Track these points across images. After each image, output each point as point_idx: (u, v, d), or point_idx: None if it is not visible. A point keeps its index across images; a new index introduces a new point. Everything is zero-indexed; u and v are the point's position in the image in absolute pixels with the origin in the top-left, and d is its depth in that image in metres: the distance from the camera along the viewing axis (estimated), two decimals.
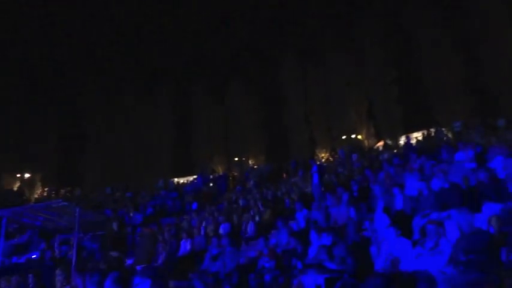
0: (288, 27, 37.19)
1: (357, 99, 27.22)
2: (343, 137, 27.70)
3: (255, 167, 27.14)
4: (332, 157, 24.41)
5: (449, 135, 19.65)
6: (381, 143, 25.48)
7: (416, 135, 22.70)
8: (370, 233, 6.96)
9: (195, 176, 25.76)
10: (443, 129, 20.97)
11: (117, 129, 32.45)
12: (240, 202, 14.40)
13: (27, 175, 31.96)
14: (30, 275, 7.61)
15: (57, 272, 6.59)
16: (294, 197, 12.73)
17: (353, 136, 27.75)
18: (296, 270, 6.24)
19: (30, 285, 7.38)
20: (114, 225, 13.88)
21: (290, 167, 19.90)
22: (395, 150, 18.96)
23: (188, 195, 18.94)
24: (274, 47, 33.72)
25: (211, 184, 22.00)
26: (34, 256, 12.46)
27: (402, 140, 24.82)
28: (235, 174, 25.99)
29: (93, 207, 18.34)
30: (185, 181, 27.28)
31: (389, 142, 24.20)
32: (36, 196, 29.43)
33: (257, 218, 11.69)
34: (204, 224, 11.91)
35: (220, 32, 39.53)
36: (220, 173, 27.46)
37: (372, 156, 17.33)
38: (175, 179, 28.68)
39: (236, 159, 30.78)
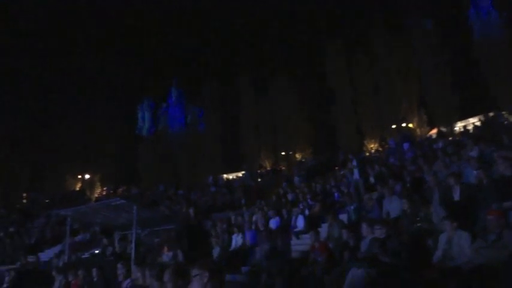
0: (332, 16, 36.27)
1: (407, 86, 26.11)
2: (393, 126, 26.72)
3: (303, 160, 26.98)
4: (382, 147, 23.67)
5: (510, 119, 18.33)
6: (434, 131, 24.32)
7: (473, 121, 21.40)
8: (426, 226, 6.70)
9: (243, 172, 26.10)
10: (503, 113, 19.59)
11: (168, 128, 33.64)
12: (289, 196, 14.42)
13: (87, 176, 34.16)
14: (94, 269, 8.11)
15: (119, 266, 6.98)
16: (344, 190, 12.53)
17: (404, 125, 26.70)
18: (348, 264, 6.16)
19: (95, 279, 7.87)
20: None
21: (338, 159, 19.59)
22: (450, 138, 18.03)
23: (237, 191, 19.25)
24: (319, 37, 33.01)
25: (259, 179, 22.20)
26: (97, 251, 13.32)
27: (458, 127, 23.52)
28: (283, 168, 26.02)
29: (149, 204, 19.16)
30: (234, 177, 27.72)
31: (443, 129, 23.01)
32: (96, 195, 31.29)
33: (306, 212, 11.65)
34: (254, 219, 12.06)
35: (262, 26, 39.33)
36: (268, 168, 27.62)
37: (425, 145, 16.60)
38: (225, 175, 29.23)
39: (283, 153, 30.76)
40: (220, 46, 40.45)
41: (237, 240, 11.11)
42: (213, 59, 39.03)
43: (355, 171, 12.19)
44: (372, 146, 26.66)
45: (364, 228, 6.75)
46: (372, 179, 12.16)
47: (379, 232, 6.24)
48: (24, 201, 29.97)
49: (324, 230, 9.61)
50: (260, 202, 14.44)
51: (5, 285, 9.95)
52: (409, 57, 26.11)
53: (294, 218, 11.37)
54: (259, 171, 24.97)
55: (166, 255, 9.95)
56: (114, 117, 34.69)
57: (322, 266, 6.68)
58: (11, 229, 18.58)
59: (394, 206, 8.36)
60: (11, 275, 10.63)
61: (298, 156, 29.46)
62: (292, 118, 30.04)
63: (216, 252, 10.70)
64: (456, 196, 6.98)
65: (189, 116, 34.00)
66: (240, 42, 40.64)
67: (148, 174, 32.22)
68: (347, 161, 16.81)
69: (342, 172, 16.16)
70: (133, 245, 10.47)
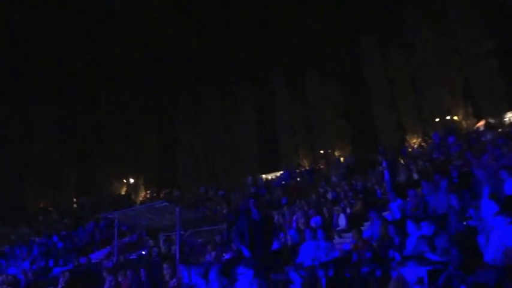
0: (364, 7, 35.29)
1: (449, 77, 25.02)
2: (436, 120, 25.68)
3: (341, 158, 26.56)
4: (425, 142, 22.83)
5: None
6: (481, 123, 23.13)
7: None
8: (476, 222, 6.40)
9: (281, 172, 26.07)
10: None
11: (205, 132, 34.25)
12: (329, 195, 14.25)
13: (132, 180, 35.48)
14: (141, 269, 8.42)
15: (164, 266, 7.22)
16: (385, 187, 12.22)
17: (448, 118, 25.60)
18: (394, 263, 6.00)
19: (142, 279, 8.17)
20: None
21: (378, 155, 19.11)
22: (499, 130, 17.09)
23: (277, 191, 19.25)
24: (352, 30, 32.25)
25: (298, 178, 22.08)
26: (143, 252, 13.80)
27: (507, 118, 22.25)
28: (322, 167, 25.74)
29: (190, 206, 19.58)
30: (273, 177, 27.74)
31: (491, 121, 21.83)
32: (140, 199, 32.39)
33: (348, 210, 11.47)
34: (294, 218, 12.03)
35: (293, 23, 38.99)
36: (307, 167, 27.42)
37: (472, 138, 15.85)
38: (263, 176, 29.32)
39: (321, 151, 30.44)
40: (253, 46, 40.55)
41: (277, 239, 11.12)
42: (247, 59, 39.20)
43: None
44: (415, 141, 25.78)
45: (410, 225, 6.56)
46: (415, 175, 11.79)
47: (427, 229, 6.04)
48: (74, 205, 31.55)
49: (366, 228, 9.41)
50: (300, 201, 14.37)
51: (60, 286, 10.52)
52: (449, 47, 25.01)
53: (335, 216, 11.23)
54: (298, 170, 24.81)
55: (209, 255, 10.13)
56: (154, 121, 35.84)
57: (367, 264, 6.56)
58: (63, 233, 19.64)
59: (440, 202, 8.06)
60: (66, 276, 11.24)
61: (336, 154, 29.04)
62: (329, 116, 29.67)
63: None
64: (508, 190, 6.63)
65: (226, 117, 34.43)
66: (272, 41, 40.58)
67: (188, 176, 32.95)
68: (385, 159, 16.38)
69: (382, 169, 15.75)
70: (177, 245, 10.77)
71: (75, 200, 33.88)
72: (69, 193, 35.13)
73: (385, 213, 9.72)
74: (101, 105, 36.92)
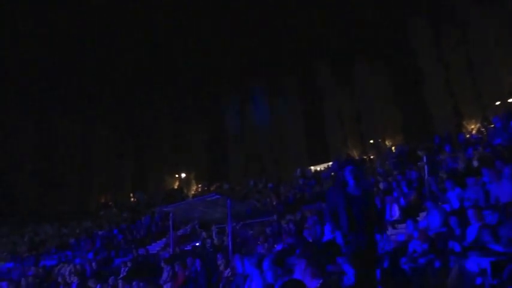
0: None
1: (509, 57, 23.23)
2: (497, 103, 24.00)
3: (393, 148, 25.66)
4: (484, 127, 21.42)
5: None
6: None
7: None
8: None
9: (330, 163, 25.71)
10: None
11: (253, 125, 34.58)
12: (381, 185, 13.84)
13: (183, 175, 36.77)
14: (197, 260, 8.72)
15: (218, 256, 7.44)
16: (443, 176, 11.64)
17: (510, 100, 23.83)
18: (454, 254, 5.73)
19: (198, 269, 8.45)
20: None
21: (433, 143, 18.23)
22: None
23: (326, 182, 19.01)
24: (400, 11, 30.67)
25: None
26: (197, 244, 14.25)
27: None
28: (372, 157, 25.06)
29: (240, 199, 19.88)
30: (321, 168, 27.44)
31: None
32: (192, 192, 33.42)
33: (402, 201, 11.08)
34: None
35: (338, 7, 37.69)
36: (356, 157, 26.82)
37: None
38: (312, 167, 29.09)
39: (371, 141, 29.60)
40: (297, 36, 39.90)
41: (329, 231, 11.01)
42: (292, 50, 38.74)
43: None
44: (473, 126, 24.31)
45: (471, 214, 6.22)
46: (475, 163, 11.12)
47: (490, 218, 5.71)
48: (131, 200, 33.23)
49: (422, 218, 9.06)
50: None
51: (122, 275, 11.18)
52: (507, 23, 23.17)
53: (388, 207, 10.89)
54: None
55: (261, 247, 10.25)
56: (202, 118, 36.71)
57: (424, 256, 6.33)
58: (122, 226, 20.77)
59: (504, 190, 7.55)
60: (127, 266, 11.94)
61: (387, 143, 28.10)
62: (379, 104, 28.72)
63: None
64: None
65: (273, 110, 34.50)
66: (317, 29, 39.65)
67: (237, 170, 33.48)
68: (444, 145, 15.60)
69: (439, 157, 15.02)
70: (229, 237, 11.02)
71: (131, 195, 35.67)
72: (126, 189, 37.30)
73: (443, 203, 9.29)
74: (152, 106, 38.38)
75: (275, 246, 10.48)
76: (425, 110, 27.13)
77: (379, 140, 28.84)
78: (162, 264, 9.82)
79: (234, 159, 34.62)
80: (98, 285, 10.51)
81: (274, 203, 17.46)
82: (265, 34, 40.71)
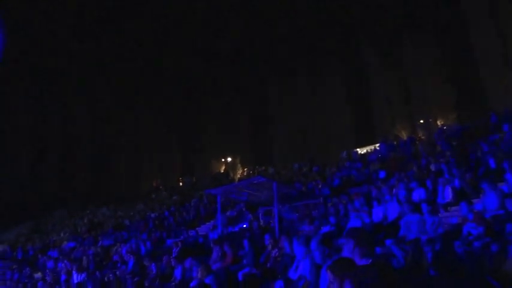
0: None
1: None
2: None
3: (445, 127, 24.47)
4: None
5: None
6: None
7: None
8: None
9: (378, 144, 25.05)
10: None
11: (297, 108, 34.32)
12: (432, 167, 13.32)
13: (229, 159, 37.49)
14: (244, 240, 8.92)
15: (266, 237, 7.57)
16: (500, 156, 10.98)
17: None
18: None
19: (246, 249, 8.65)
20: None
21: (489, 122, 17.16)
22: None
23: (373, 164, 18.58)
24: None
25: (396, 150, 21.00)
26: (244, 226, 14.56)
27: None
28: (422, 137, 24.09)
29: (286, 182, 19.96)
30: (368, 150, 26.80)
31: None
32: (238, 176, 33.99)
33: (456, 182, 10.61)
34: (394, 192, 11.53)
35: None
36: (405, 138, 25.91)
37: None
38: (358, 149, 28.50)
39: (421, 121, 28.37)
40: (339, 15, 38.49)
41: (377, 213, 10.81)
42: (334, 31, 37.51)
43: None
44: None
45: None
46: None
47: None
48: (180, 184, 34.43)
49: (477, 201, 8.64)
50: (400, 174, 13.70)
51: (174, 255, 11.70)
52: None
53: (440, 189, 10.49)
54: (395, 142, 23.57)
55: (307, 228, 10.30)
56: (247, 102, 36.98)
57: (480, 239, 6.06)
58: (173, 208, 21.62)
59: None
60: (178, 246, 12.47)
61: (439, 123, 26.81)
62: (429, 81, 27.34)
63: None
64: None
65: (318, 92, 33.98)
66: (359, 6, 38.03)
67: (282, 153, 33.53)
68: (501, 123, 14.65)
69: (495, 137, 14.15)
70: (276, 219, 11.16)
71: (180, 179, 36.95)
72: (175, 174, 38.76)
73: (501, 185, 8.80)
74: (198, 93, 39.17)
75: (321, 228, 10.49)
76: (480, 86, 25.49)
77: (430, 120, 27.58)
78: (212, 245, 10.15)
79: (278, 143, 34.68)
80: (152, 264, 11.10)
81: (320, 186, 17.36)
82: (309, 14, 39.76)
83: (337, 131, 31.50)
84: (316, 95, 33.87)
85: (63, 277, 12.56)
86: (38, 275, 14.75)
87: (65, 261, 14.67)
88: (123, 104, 38.29)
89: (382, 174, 15.56)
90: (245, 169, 34.89)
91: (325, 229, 10.16)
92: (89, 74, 35.76)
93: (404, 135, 27.53)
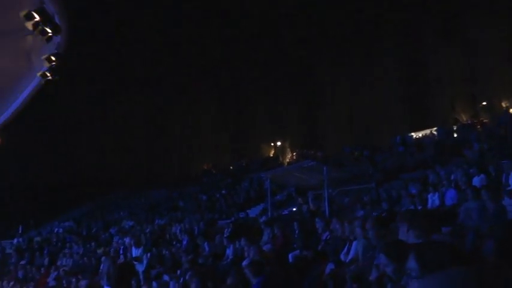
0: None
1: None
2: None
3: (511, 110, 22.74)
4: None
5: None
6: None
7: None
8: None
9: (435, 128, 23.89)
10: None
11: (349, 91, 33.49)
12: (495, 151, 12.51)
13: (278, 143, 37.62)
14: (295, 223, 8.99)
15: (317, 219, 7.57)
16: None
17: None
18: None
19: (296, 231, 8.71)
20: None
21: None
22: None
23: (429, 149, 17.79)
24: None
25: (455, 135, 19.93)
26: (294, 209, 14.63)
27: None
28: (485, 120, 22.61)
29: (336, 166, 19.65)
30: (424, 134, 25.63)
31: None
32: (287, 160, 34.02)
33: None
34: (452, 177, 10.99)
35: None
36: (465, 122, 24.47)
37: None
38: (413, 134, 27.33)
39: (484, 103, 26.54)
40: None
41: (433, 200, 10.39)
42: (389, 7, 35.61)
43: None
44: None
45: None
46: None
47: None
48: (231, 167, 35.16)
49: None
50: (459, 159, 13.02)
51: (225, 235, 12.07)
52: None
53: (504, 175, 9.84)
54: (454, 126, 22.33)
55: (359, 213, 10.15)
56: (296, 85, 36.58)
57: None
58: (224, 191, 22.17)
59: None
60: (230, 227, 12.83)
61: (504, 105, 24.96)
62: (494, 61, 25.40)
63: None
64: None
65: (369, 72, 32.82)
66: None
67: (332, 137, 33.03)
68: None
69: None
70: (326, 203, 11.11)
71: (231, 163, 37.70)
72: (226, 157, 39.63)
73: None
74: (247, 77, 39.32)
75: (373, 213, 10.28)
76: None
77: (494, 102, 25.76)
78: (262, 227, 10.34)
79: (328, 126, 34.15)
80: (205, 243, 11.53)
81: (371, 171, 16.94)
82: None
83: (390, 114, 30.34)
84: (368, 76, 32.72)
85: (122, 252, 13.44)
86: (101, 250, 15.89)
87: (125, 239, 15.67)
88: (176, 90, 39.40)
89: (439, 159, 14.86)
90: (294, 153, 34.81)
91: (375, 214, 9.96)
92: (145, 62, 36.98)
93: (464, 118, 26.01)
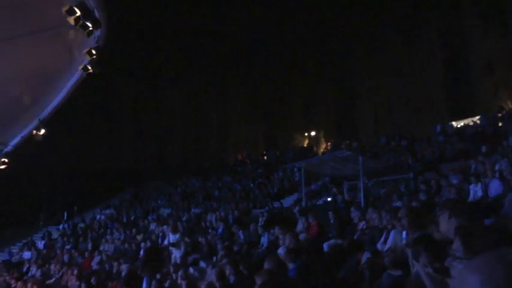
0: None
1: None
2: None
3: None
4: None
5: None
6: None
7: None
8: None
9: (478, 117, 22.84)
10: None
11: (385, 79, 32.53)
12: None
13: (312, 133, 37.30)
14: (330, 212, 8.94)
15: (352, 209, 7.48)
16: None
17: None
18: None
19: (331, 221, 8.67)
20: None
21: None
22: None
23: (471, 138, 17.06)
24: None
25: (499, 123, 18.97)
26: (329, 199, 14.53)
27: None
28: None
29: (372, 156, 19.27)
30: (466, 123, 24.57)
31: None
32: (321, 150, 33.69)
33: None
34: (497, 168, 10.51)
35: None
36: (511, 109, 23.22)
37: None
38: (454, 123, 26.26)
39: None
40: None
41: (475, 191, 10.00)
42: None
43: None
44: None
45: None
46: None
47: None
48: (265, 158, 35.30)
49: None
50: (504, 149, 12.42)
51: (260, 224, 12.20)
52: None
53: None
54: (499, 114, 21.24)
55: (396, 204, 9.93)
56: (331, 73, 35.94)
57: None
58: (258, 180, 22.30)
59: None
60: (264, 216, 12.94)
61: None
62: None
63: None
64: None
65: (406, 59, 31.68)
66: None
67: (368, 127, 32.33)
68: None
69: None
70: (361, 193, 10.95)
71: (264, 153, 37.81)
72: (259, 148, 39.80)
73: None
74: (282, 67, 39.04)
75: (411, 204, 10.03)
76: None
77: None
78: (297, 216, 10.35)
79: (364, 116, 33.41)
80: (240, 231, 11.71)
81: (409, 161, 16.48)
82: None
83: (429, 102, 29.25)
84: (407, 64, 31.59)
85: (160, 238, 13.89)
86: (140, 236, 16.50)
87: (163, 227, 16.18)
88: (211, 81, 39.79)
89: (482, 149, 14.23)
90: (328, 143, 34.41)
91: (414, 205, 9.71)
92: (181, 53, 37.48)
93: (510, 105, 24.69)
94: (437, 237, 3.49)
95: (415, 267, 3.03)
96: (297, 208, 13.33)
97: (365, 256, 5.66)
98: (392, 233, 4.65)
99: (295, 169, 18.84)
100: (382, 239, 5.08)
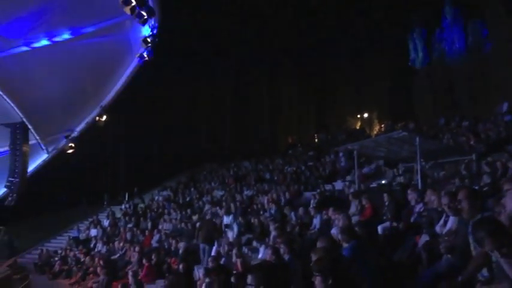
0: None
1: None
2: None
3: None
4: None
5: None
6: None
7: None
8: None
9: None
10: None
11: (443, 53, 30.63)
12: None
13: (365, 115, 36.19)
14: (385, 194, 8.72)
15: (409, 191, 7.24)
16: None
17: None
18: None
19: (386, 203, 8.47)
20: None
21: None
22: None
23: None
24: None
25: None
26: (383, 182, 14.14)
27: None
28: None
29: (430, 137, 18.37)
30: None
31: None
32: (374, 132, 32.68)
33: None
34: None
35: None
36: None
37: None
38: None
39: None
40: None
41: None
42: None
43: None
44: None
45: None
46: None
47: None
48: (316, 140, 34.96)
49: None
50: None
51: (312, 206, 12.20)
52: None
53: None
54: None
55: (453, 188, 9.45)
56: (386, 52, 34.42)
57: None
58: (310, 163, 22.17)
59: None
60: (316, 198, 12.92)
61: None
62: None
63: None
64: None
65: (469, 37, 29.51)
66: None
67: (425, 108, 30.77)
68: None
69: None
70: (418, 176, 10.53)
71: (315, 136, 37.44)
72: (310, 130, 39.47)
73: None
74: (333, 46, 38.07)
75: (473, 187, 9.50)
76: None
77: None
78: (350, 198, 10.22)
79: (421, 96, 31.78)
80: (292, 212, 11.80)
81: (472, 142, 15.51)
82: None
83: (493, 79, 27.12)
84: (468, 39, 29.41)
85: (214, 219, 14.37)
86: (196, 216, 17.18)
87: (216, 208, 16.71)
88: (262, 65, 39.71)
89: None
90: (382, 125, 33.26)
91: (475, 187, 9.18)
92: (232, 39, 37.66)
93: None
94: (503, 220, 3.31)
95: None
96: (350, 190, 13.14)
97: (423, 239, 5.50)
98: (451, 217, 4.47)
99: (340, 154, 18.50)
100: (442, 221, 4.89)
